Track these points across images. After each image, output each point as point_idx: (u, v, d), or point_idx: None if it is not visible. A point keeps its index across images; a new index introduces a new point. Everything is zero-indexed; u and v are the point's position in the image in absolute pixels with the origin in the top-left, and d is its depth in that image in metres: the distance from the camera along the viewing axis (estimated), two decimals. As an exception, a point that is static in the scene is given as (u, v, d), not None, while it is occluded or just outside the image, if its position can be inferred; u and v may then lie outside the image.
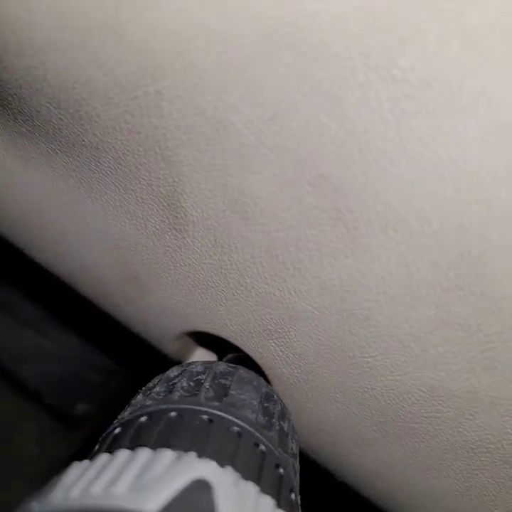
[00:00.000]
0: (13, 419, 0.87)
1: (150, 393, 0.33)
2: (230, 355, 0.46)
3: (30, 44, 0.25)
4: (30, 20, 0.24)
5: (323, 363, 0.34)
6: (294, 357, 0.35)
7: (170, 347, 0.45)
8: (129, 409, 0.32)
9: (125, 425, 0.29)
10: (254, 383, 0.34)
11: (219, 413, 0.29)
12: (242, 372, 0.35)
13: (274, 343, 0.35)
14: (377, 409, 0.35)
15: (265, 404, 0.33)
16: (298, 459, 0.34)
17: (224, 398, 0.31)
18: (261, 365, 0.38)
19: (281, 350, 0.35)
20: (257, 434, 0.29)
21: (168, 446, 0.25)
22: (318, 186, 0.26)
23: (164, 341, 0.45)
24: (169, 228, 0.32)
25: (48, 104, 0.28)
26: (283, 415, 0.34)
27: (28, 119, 0.31)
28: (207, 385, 0.32)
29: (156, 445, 0.25)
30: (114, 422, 0.31)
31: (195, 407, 0.29)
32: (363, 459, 0.40)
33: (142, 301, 0.40)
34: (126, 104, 0.26)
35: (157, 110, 0.26)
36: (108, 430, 0.30)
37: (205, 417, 0.29)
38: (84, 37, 0.24)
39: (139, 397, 0.34)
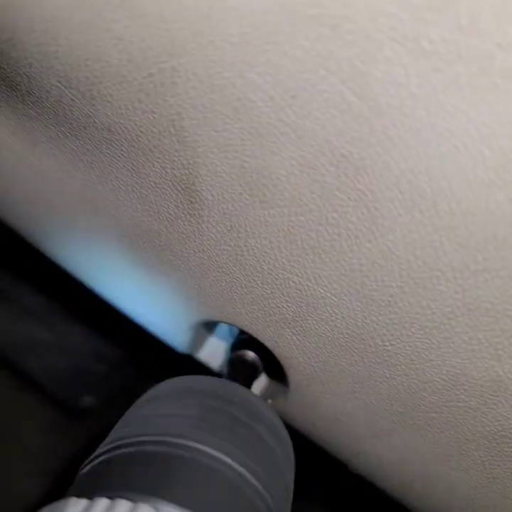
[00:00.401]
0: (17, 412, 0.86)
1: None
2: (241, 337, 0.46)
3: (41, 20, 0.24)
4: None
5: (341, 352, 0.33)
6: (311, 346, 0.34)
7: (181, 338, 0.44)
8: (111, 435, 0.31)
9: (95, 465, 0.28)
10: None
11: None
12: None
13: (291, 331, 0.34)
14: (397, 399, 0.34)
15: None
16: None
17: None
18: (276, 355, 0.37)
19: (297, 339, 0.35)
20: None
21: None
22: (339, 166, 0.25)
23: (176, 332, 0.44)
24: (183, 213, 0.31)
25: (58, 84, 0.27)
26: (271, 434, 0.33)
27: (37, 101, 0.30)
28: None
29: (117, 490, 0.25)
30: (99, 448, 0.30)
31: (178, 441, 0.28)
32: (381, 449, 0.39)
33: (155, 290, 0.39)
34: (141, 82, 0.25)
35: (172, 88, 0.25)
36: (89, 459, 0.29)
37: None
38: (99, 12, 0.23)
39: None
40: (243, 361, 0.43)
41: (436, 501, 0.41)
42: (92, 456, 0.29)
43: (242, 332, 0.47)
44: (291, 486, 0.33)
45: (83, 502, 0.23)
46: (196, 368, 0.53)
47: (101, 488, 0.25)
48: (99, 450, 0.29)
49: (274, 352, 0.37)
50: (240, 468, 0.27)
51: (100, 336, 0.82)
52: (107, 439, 0.30)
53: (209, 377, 0.34)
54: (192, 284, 0.36)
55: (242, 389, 0.34)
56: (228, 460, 0.28)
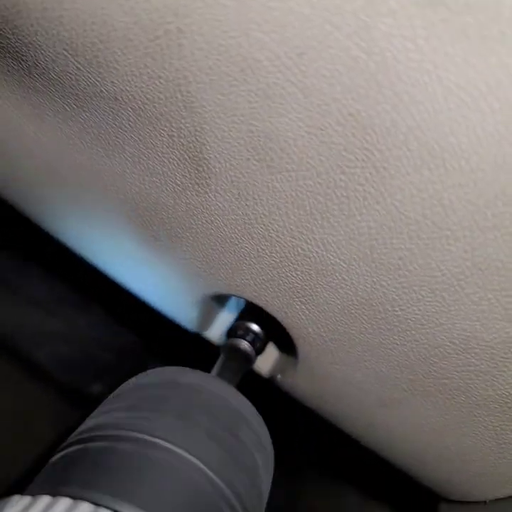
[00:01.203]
0: (26, 401, 0.86)
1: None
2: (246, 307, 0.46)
3: None
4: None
5: (350, 320, 0.33)
6: (320, 315, 0.34)
7: (190, 313, 0.44)
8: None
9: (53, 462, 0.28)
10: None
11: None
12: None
13: (300, 301, 0.34)
14: (407, 366, 0.34)
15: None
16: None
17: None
18: (285, 326, 0.37)
19: (307, 309, 0.35)
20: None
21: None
22: (347, 126, 0.25)
23: (185, 307, 0.44)
24: (191, 183, 0.32)
25: (64, 51, 0.27)
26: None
27: (43, 72, 0.30)
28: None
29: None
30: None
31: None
32: (391, 420, 0.39)
33: (163, 264, 0.39)
34: (147, 46, 0.25)
35: (179, 50, 0.25)
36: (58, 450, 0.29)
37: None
38: None
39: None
40: (236, 349, 0.43)
41: (449, 473, 0.41)
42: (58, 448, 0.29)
43: (247, 307, 0.47)
44: (266, 487, 0.32)
45: (26, 499, 0.23)
46: (205, 349, 0.53)
47: (44, 485, 0.25)
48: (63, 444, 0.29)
49: (283, 323, 0.37)
50: (202, 466, 0.27)
51: (108, 323, 0.82)
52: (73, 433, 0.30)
53: (193, 371, 0.34)
54: (200, 257, 0.36)
55: (223, 386, 0.34)
56: (190, 458, 0.27)
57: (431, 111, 0.23)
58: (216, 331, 0.50)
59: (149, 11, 0.24)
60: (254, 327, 0.45)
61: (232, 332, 0.44)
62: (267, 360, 0.49)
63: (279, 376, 0.45)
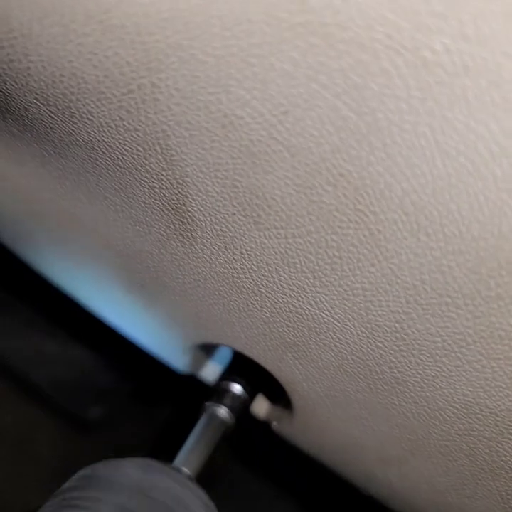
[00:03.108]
0: (26, 424, 0.85)
1: None
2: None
3: (8, 34, 0.22)
4: (7, 8, 0.21)
5: (346, 378, 0.31)
6: (315, 371, 0.32)
7: (180, 360, 0.43)
8: None
9: None
10: None
11: None
12: None
13: (293, 356, 0.32)
14: (406, 427, 0.32)
15: None
16: None
17: None
18: (279, 379, 0.35)
19: (300, 364, 0.33)
20: None
21: None
22: (338, 186, 0.23)
23: (174, 354, 0.42)
24: (175, 234, 0.30)
25: (35, 101, 0.25)
26: None
27: (18, 118, 0.28)
28: None
29: None
30: None
31: None
32: (391, 476, 0.37)
33: (151, 312, 0.37)
34: (120, 99, 0.23)
35: (155, 105, 0.23)
36: None
37: None
38: (67, 26, 0.21)
39: None
40: (214, 417, 0.42)
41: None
42: None
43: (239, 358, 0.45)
44: None
45: None
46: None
47: None
48: None
49: (276, 377, 0.35)
50: None
51: (106, 347, 0.80)
52: None
53: (145, 468, 0.33)
54: (189, 307, 0.34)
55: (165, 478, 0.33)
56: None
57: (428, 175, 0.21)
58: (210, 372, 0.48)
59: (120, 64, 0.22)
60: (237, 389, 0.43)
61: (213, 394, 0.43)
62: (262, 407, 0.47)
63: (274, 423, 0.43)
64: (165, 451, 0.84)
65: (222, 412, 0.41)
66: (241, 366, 0.43)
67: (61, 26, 0.21)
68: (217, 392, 0.42)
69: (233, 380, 0.43)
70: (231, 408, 0.41)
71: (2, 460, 0.81)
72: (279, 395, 0.45)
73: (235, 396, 0.42)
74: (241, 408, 0.42)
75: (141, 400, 0.86)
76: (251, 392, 0.43)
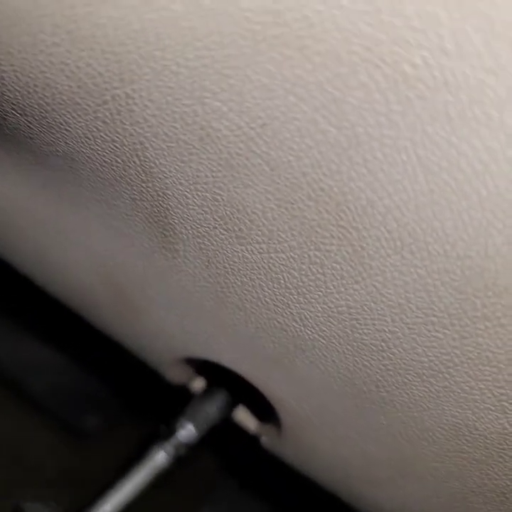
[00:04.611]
0: (21, 432, 0.84)
1: None
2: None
3: None
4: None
5: (333, 397, 0.31)
6: (302, 389, 0.32)
7: (168, 372, 0.42)
8: None
9: None
10: None
11: None
12: None
13: (279, 373, 0.32)
14: (395, 447, 0.31)
15: None
16: None
17: None
18: (267, 396, 0.34)
19: (287, 381, 0.32)
20: None
21: None
22: (319, 201, 0.22)
23: (161, 366, 0.41)
24: (158, 247, 0.29)
25: (13, 111, 0.25)
26: None
27: (-4, 128, 0.27)
28: None
29: None
30: None
31: None
32: (379, 496, 0.36)
33: (137, 324, 0.37)
34: (96, 110, 0.23)
35: (130, 116, 0.22)
36: None
37: None
38: (37, 36, 0.20)
39: None
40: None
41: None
42: None
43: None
44: None
45: None
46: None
47: None
48: None
49: (264, 393, 0.34)
50: None
51: (104, 356, 0.79)
52: None
53: None
54: (174, 320, 0.34)
55: None
56: None
57: (410, 191, 0.20)
58: (200, 384, 0.47)
59: (92, 75, 0.21)
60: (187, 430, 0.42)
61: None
62: (252, 421, 0.46)
63: (264, 438, 0.42)
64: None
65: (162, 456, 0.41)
66: (229, 380, 0.42)
67: (30, 36, 0.20)
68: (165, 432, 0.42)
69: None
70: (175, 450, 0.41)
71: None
72: (269, 411, 0.45)
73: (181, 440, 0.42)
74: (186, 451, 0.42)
75: (138, 409, 0.85)
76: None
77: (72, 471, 0.83)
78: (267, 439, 0.41)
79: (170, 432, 0.41)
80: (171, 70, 0.20)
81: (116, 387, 0.83)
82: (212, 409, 0.42)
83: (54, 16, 0.20)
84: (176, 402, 0.77)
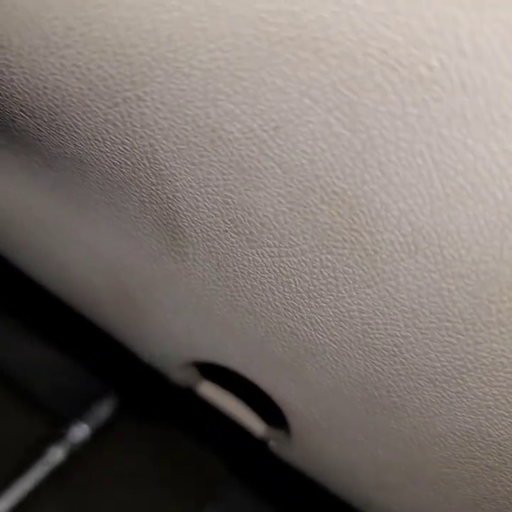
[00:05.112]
0: (24, 433, 0.84)
1: None
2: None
3: None
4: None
5: (343, 401, 0.30)
6: (311, 393, 0.31)
7: (174, 375, 0.41)
8: None
9: None
10: None
11: None
12: None
13: (288, 377, 0.31)
14: (405, 453, 0.31)
15: None
16: None
17: None
18: (275, 400, 0.34)
19: (296, 385, 0.32)
20: None
21: None
22: (332, 205, 0.22)
23: (167, 369, 0.41)
24: (167, 250, 0.29)
25: (21, 113, 0.25)
26: None
27: (4, 130, 0.27)
28: None
29: None
30: None
31: None
32: (390, 502, 0.36)
33: (143, 326, 0.36)
34: (106, 113, 0.22)
35: (141, 118, 0.22)
36: None
37: None
38: (49, 38, 0.20)
39: None
40: None
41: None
42: None
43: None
44: None
45: None
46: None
47: None
48: None
49: (272, 397, 0.34)
50: None
51: (100, 356, 0.79)
52: None
53: None
54: (181, 323, 0.33)
55: None
56: None
57: (425, 195, 0.20)
58: (207, 387, 0.46)
59: (103, 77, 0.21)
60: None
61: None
62: (260, 425, 0.45)
63: (272, 442, 0.42)
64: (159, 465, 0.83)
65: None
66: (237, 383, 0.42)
67: (42, 39, 0.20)
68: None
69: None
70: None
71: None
72: (277, 415, 0.44)
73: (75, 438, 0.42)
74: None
75: (139, 412, 0.85)
76: None
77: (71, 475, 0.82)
78: (275, 443, 0.41)
79: (64, 430, 0.42)
80: (184, 72, 0.20)
81: (117, 387, 0.82)
82: (103, 410, 0.43)
83: (66, 18, 0.19)
84: (178, 405, 0.77)
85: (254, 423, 0.44)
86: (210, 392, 0.45)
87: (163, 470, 0.80)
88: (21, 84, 0.23)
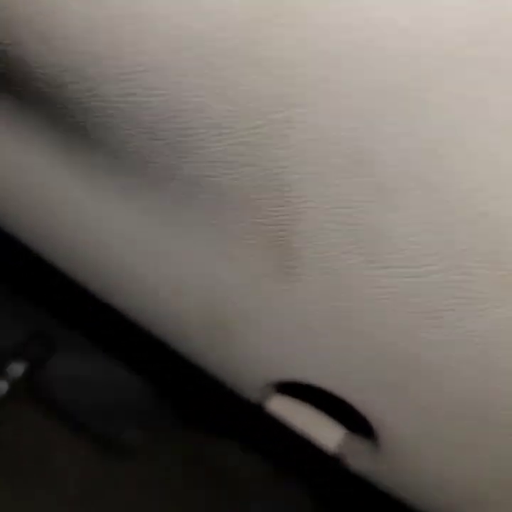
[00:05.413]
0: (49, 446, 0.83)
1: None
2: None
3: (135, 68, 0.21)
4: (143, 41, 0.20)
5: (449, 421, 0.30)
6: (414, 414, 0.30)
7: (251, 393, 0.40)
8: None
9: None
10: None
11: None
12: None
13: (389, 398, 0.31)
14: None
15: None
16: None
17: None
18: (369, 420, 0.33)
19: (396, 406, 0.31)
20: None
21: None
22: (477, 225, 0.21)
23: (244, 388, 0.40)
24: (271, 271, 0.28)
25: (141, 135, 0.24)
26: None
27: (110, 152, 0.26)
28: None
29: None
30: None
31: None
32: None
33: (228, 347, 0.35)
34: (243, 135, 0.22)
35: (282, 140, 0.21)
36: None
37: None
38: (206, 60, 0.19)
39: None
40: None
41: None
42: None
43: None
44: None
45: None
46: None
47: None
48: None
49: (366, 416, 0.33)
50: None
51: (144, 368, 0.78)
52: None
53: None
54: (275, 344, 0.32)
55: None
56: None
57: None
58: (280, 405, 0.45)
59: (254, 99, 0.20)
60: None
61: None
62: (335, 438, 0.44)
63: (349, 458, 0.41)
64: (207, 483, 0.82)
65: None
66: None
67: (198, 60, 0.19)
68: None
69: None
70: None
71: (18, 481, 0.79)
72: (361, 428, 0.43)
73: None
74: None
75: (184, 424, 0.83)
76: None
77: (99, 491, 0.81)
78: (355, 458, 0.40)
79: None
80: (347, 93, 0.19)
81: (155, 399, 0.81)
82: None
83: (233, 41, 0.19)
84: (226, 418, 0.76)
85: (328, 435, 0.43)
86: (282, 406, 0.44)
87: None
88: (156, 106, 0.22)
